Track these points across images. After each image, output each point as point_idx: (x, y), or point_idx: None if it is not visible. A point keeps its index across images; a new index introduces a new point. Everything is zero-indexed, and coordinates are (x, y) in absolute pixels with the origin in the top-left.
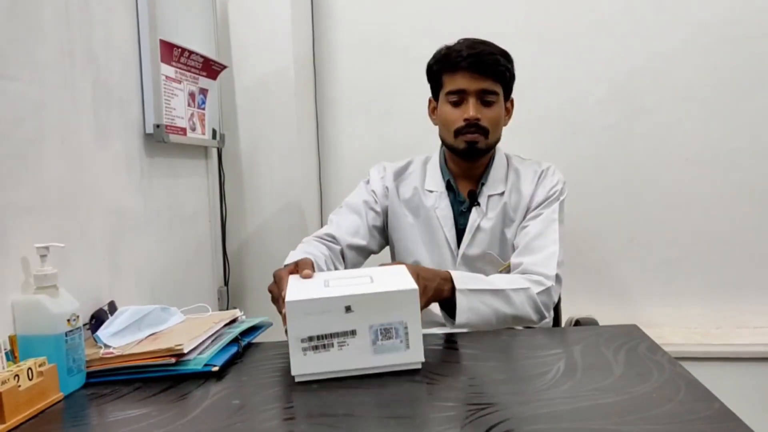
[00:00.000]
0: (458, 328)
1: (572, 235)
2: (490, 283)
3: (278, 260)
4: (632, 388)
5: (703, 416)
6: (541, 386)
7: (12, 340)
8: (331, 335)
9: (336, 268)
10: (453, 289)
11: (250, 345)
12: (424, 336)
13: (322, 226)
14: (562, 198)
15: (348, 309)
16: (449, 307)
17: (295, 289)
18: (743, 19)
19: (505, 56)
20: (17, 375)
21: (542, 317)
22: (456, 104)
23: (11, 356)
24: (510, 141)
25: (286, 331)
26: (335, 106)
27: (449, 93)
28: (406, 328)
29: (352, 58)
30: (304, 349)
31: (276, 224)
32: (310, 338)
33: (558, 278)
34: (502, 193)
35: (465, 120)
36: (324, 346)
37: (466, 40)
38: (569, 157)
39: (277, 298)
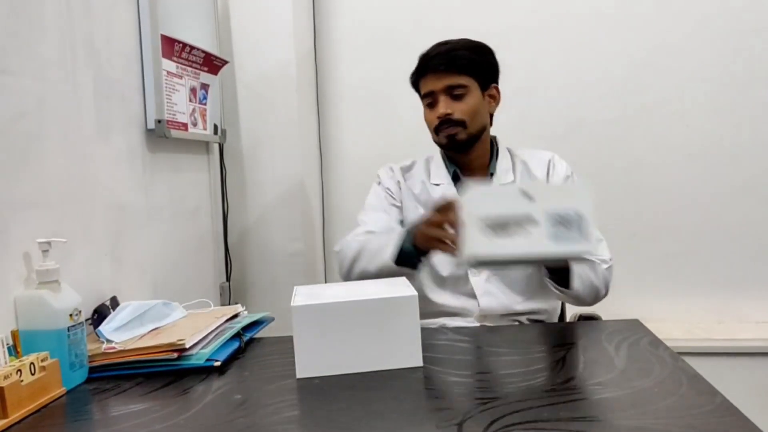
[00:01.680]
0: (568, 294)
1: None
2: None
3: (280, 255)
4: (634, 383)
5: (705, 410)
6: (543, 380)
7: (14, 335)
8: (515, 221)
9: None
10: None
11: (252, 340)
12: (429, 330)
13: (323, 221)
14: (576, 178)
15: (528, 196)
16: (556, 274)
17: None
18: (746, 13)
19: (471, 49)
20: (19, 370)
21: (606, 294)
22: (431, 105)
23: (14, 351)
24: (512, 136)
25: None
26: (337, 102)
27: (423, 96)
28: (581, 218)
29: (353, 53)
30: (482, 230)
31: (277, 220)
32: (495, 221)
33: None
34: (512, 183)
35: (438, 118)
36: (505, 229)
37: (434, 44)
38: (571, 152)
39: (442, 223)
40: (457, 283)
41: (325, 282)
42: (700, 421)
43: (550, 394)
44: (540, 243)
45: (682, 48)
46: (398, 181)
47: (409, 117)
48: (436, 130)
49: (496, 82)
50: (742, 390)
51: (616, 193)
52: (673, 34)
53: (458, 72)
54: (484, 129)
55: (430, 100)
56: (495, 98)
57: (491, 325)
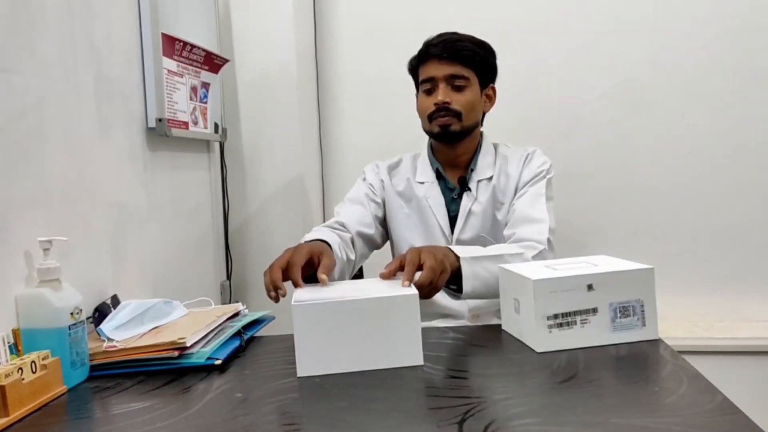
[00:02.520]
0: (465, 298)
1: (575, 228)
2: (487, 250)
3: (281, 254)
4: (634, 382)
5: (705, 409)
6: (543, 380)
7: (15, 333)
8: (575, 313)
9: (348, 257)
10: (457, 259)
11: (252, 339)
12: (429, 329)
13: (324, 219)
14: (549, 176)
15: (590, 287)
16: (453, 279)
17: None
18: (747, 12)
19: (478, 44)
20: (21, 368)
21: None
22: (428, 92)
23: (15, 349)
24: (513, 133)
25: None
26: (337, 100)
27: (422, 82)
28: (642, 306)
29: (354, 51)
30: (550, 327)
31: (278, 218)
32: (555, 315)
33: (550, 243)
34: (491, 178)
35: (435, 104)
36: (568, 323)
37: (441, 33)
38: (572, 150)
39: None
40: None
41: None
42: (700, 420)
43: (550, 392)
44: (601, 334)
45: (682, 46)
46: (382, 180)
47: (409, 114)
48: (429, 117)
49: (494, 83)
50: (742, 389)
51: (616, 192)
52: (674, 32)
53: (462, 63)
54: (476, 126)
55: (428, 87)
56: (491, 99)
57: (486, 324)
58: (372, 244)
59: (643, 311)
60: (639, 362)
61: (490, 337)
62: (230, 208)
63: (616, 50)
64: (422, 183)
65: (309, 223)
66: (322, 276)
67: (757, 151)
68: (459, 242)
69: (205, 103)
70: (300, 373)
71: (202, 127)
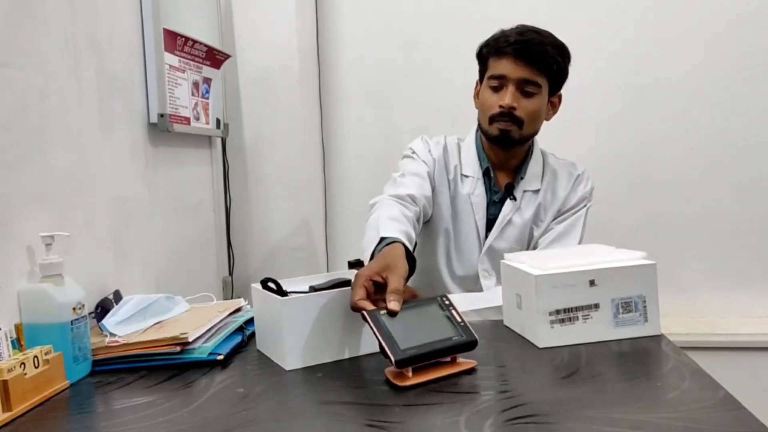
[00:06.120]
0: None
1: None
2: (489, 300)
3: (282, 250)
4: (637, 377)
5: (707, 405)
6: (544, 375)
7: (18, 328)
8: (577, 308)
9: (412, 237)
10: None
11: (254, 334)
12: None
13: (326, 216)
14: (589, 205)
15: (592, 283)
16: None
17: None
18: (751, 8)
19: (558, 49)
20: (23, 363)
21: None
22: (496, 89)
23: (17, 344)
24: None
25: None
26: (339, 96)
27: (491, 77)
28: (644, 301)
29: (356, 47)
30: (552, 322)
31: (280, 214)
32: (558, 311)
33: None
34: (537, 191)
35: (500, 107)
36: (570, 319)
37: (521, 26)
38: (574, 146)
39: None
40: (467, 283)
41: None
42: (702, 416)
43: (552, 388)
44: (603, 329)
45: (686, 42)
46: (434, 159)
47: (411, 111)
48: (491, 118)
49: (561, 90)
50: (744, 384)
51: (619, 188)
52: (677, 28)
53: (539, 69)
54: (534, 134)
55: (496, 84)
56: (555, 107)
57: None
58: (422, 223)
59: (645, 307)
60: (641, 358)
61: (491, 332)
62: (232, 203)
63: (618, 47)
64: (467, 176)
65: (310, 219)
66: (391, 306)
67: (759, 148)
68: (490, 250)
69: (207, 98)
70: (288, 366)
71: (203, 122)
